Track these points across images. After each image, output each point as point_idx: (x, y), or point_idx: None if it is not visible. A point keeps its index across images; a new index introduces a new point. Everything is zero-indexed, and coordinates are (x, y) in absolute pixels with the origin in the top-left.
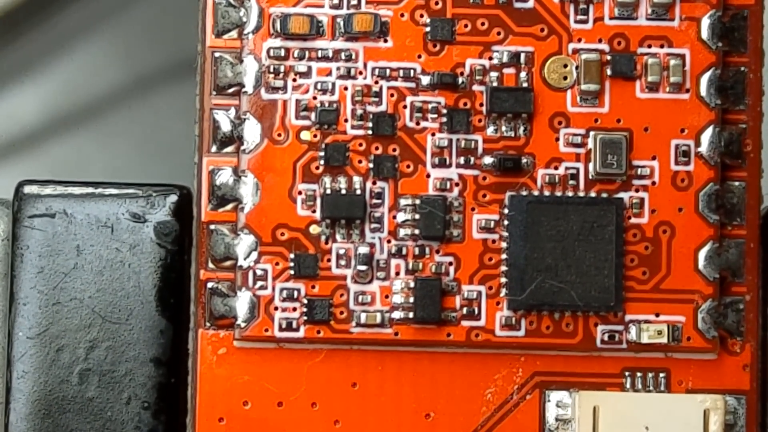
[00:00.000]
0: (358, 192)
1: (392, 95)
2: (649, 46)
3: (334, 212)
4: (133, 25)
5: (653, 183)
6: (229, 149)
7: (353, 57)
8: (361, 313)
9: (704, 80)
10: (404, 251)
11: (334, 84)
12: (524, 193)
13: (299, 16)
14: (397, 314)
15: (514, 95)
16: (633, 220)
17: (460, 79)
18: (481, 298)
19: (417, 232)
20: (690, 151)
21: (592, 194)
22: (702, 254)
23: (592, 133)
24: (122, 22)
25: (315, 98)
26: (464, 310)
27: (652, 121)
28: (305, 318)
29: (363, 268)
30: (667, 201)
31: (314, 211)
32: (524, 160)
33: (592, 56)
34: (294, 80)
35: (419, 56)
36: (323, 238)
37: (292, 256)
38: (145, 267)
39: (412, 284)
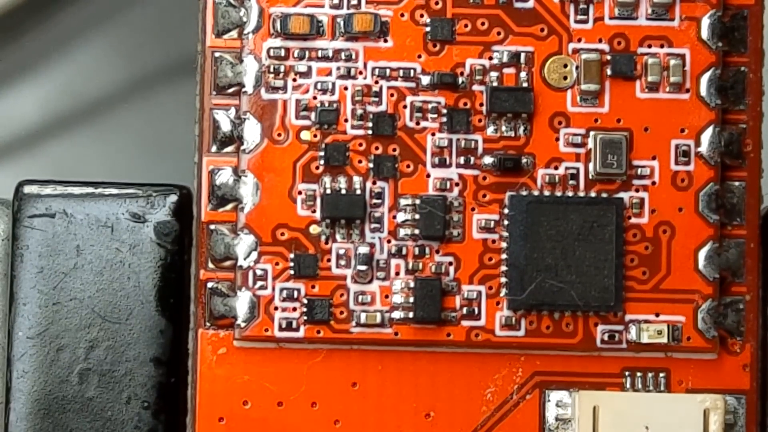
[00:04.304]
0: (358, 192)
1: (392, 95)
2: (649, 46)
3: (334, 212)
4: (133, 25)
5: (653, 183)
6: (229, 149)
7: (353, 57)
8: (361, 313)
9: (704, 80)
10: (404, 251)
11: (334, 84)
12: (524, 193)
13: (299, 16)
14: (397, 314)
15: (514, 95)
16: (633, 220)
17: (460, 79)
18: (481, 298)
19: (417, 232)
20: (690, 151)
21: (592, 194)
22: (702, 254)
23: (592, 133)
24: (122, 22)
25: (315, 98)
26: (464, 310)
27: (652, 121)
28: (305, 318)
29: (363, 268)
30: (667, 201)
31: (314, 211)
32: (524, 160)
33: (592, 56)
34: (294, 80)
35: (419, 56)
36: (323, 238)
37: (292, 256)
38: (145, 267)
39: (412, 284)
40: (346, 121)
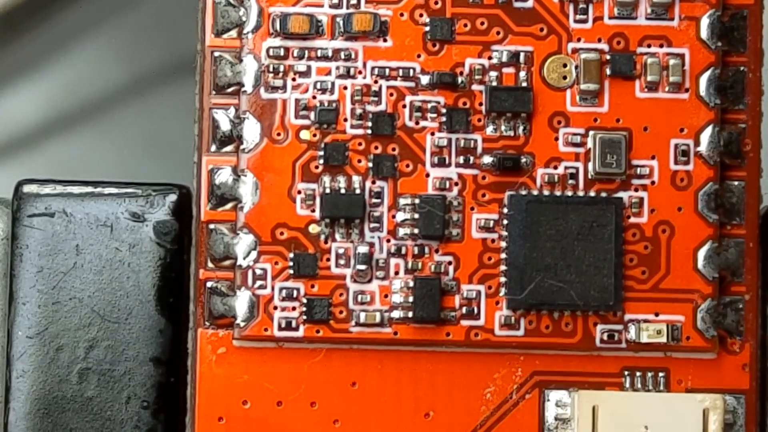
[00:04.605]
0: (358, 191)
1: (391, 95)
2: (649, 46)
3: (333, 212)
4: (133, 25)
5: (652, 182)
6: (229, 149)
7: (353, 56)
8: (360, 312)
9: (703, 80)
10: (403, 251)
11: (333, 83)
12: (523, 192)
13: (299, 15)
14: (396, 314)
15: (513, 95)
16: (632, 220)
17: (460, 79)
18: (480, 298)
19: (416, 231)
20: (689, 150)
21: (592, 194)
22: (701, 254)
23: (591, 132)
24: (122, 22)
25: (314, 98)
26: (463, 309)
27: (651, 120)
28: (304, 317)
29: (362, 267)
30: (666, 200)
31: (313, 211)
32: (523, 160)
33: (592, 56)
34: (293, 80)
35: (419, 56)
36: (322, 237)
37: (291, 255)
38: (145, 266)
39: (411, 284)
40: (345, 120)
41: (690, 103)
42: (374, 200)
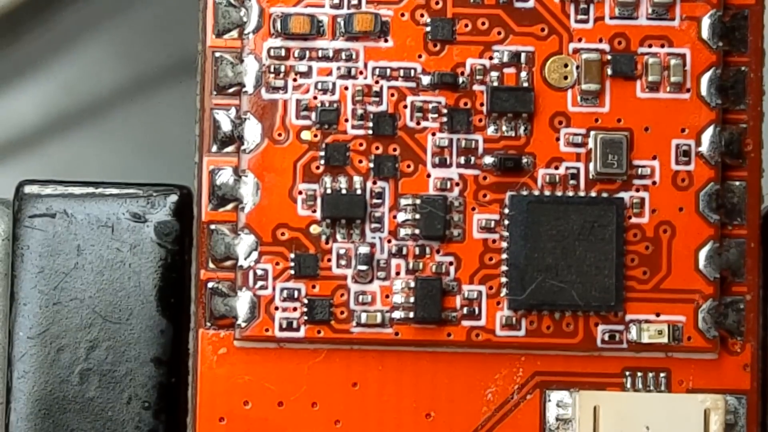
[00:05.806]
0: (359, 192)
1: (393, 95)
2: (650, 46)
3: (334, 212)
4: (133, 25)
5: (654, 183)
6: (230, 149)
7: (354, 57)
8: (361, 312)
9: (705, 80)
10: (405, 251)
11: (334, 84)
12: (525, 192)
13: (300, 15)
14: (397, 314)
15: (514, 95)
16: (633, 220)
17: (461, 79)
18: (481, 298)
19: (417, 231)
20: (690, 150)
21: (593, 194)
22: (702, 254)
23: (592, 132)
24: (122, 22)
25: (315, 98)
26: (465, 309)
27: (652, 120)
28: (306, 318)
29: (363, 267)
30: (667, 201)
31: (315, 211)
32: (525, 160)
33: (593, 56)
34: (294, 80)
35: (420, 56)
36: (323, 237)
37: (292, 255)
38: (146, 267)
39: (412, 284)
40: (346, 120)
41: (691, 104)
42: (375, 201)
